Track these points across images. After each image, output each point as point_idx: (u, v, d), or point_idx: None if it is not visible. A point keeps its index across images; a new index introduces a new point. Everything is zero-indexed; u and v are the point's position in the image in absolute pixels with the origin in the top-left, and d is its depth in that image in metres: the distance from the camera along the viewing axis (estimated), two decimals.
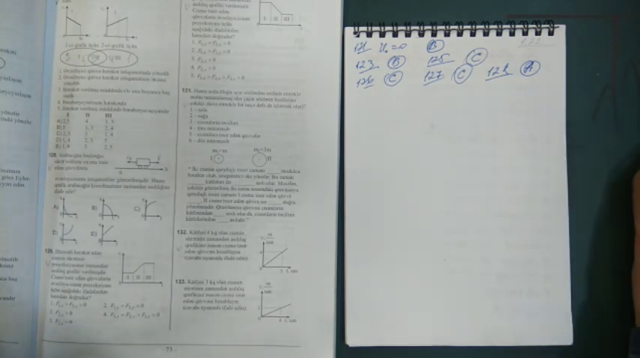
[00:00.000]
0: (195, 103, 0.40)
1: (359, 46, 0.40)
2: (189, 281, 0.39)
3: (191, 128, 0.40)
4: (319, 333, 0.39)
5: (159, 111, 0.40)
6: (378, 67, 0.40)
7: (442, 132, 0.40)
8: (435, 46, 0.40)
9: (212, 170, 0.40)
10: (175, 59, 0.40)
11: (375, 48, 0.40)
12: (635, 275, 0.38)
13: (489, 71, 0.40)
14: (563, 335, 0.39)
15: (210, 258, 0.39)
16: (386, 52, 0.40)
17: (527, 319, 0.39)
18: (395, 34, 0.40)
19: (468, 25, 0.40)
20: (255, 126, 0.40)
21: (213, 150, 0.40)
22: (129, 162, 0.39)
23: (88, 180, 0.39)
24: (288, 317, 0.39)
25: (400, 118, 0.40)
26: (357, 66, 0.40)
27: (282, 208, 0.40)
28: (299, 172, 0.40)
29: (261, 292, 0.39)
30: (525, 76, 0.40)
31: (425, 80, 0.40)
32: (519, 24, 0.40)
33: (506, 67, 0.40)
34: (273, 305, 0.39)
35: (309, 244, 0.39)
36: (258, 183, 0.40)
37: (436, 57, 0.40)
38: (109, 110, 0.39)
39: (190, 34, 0.40)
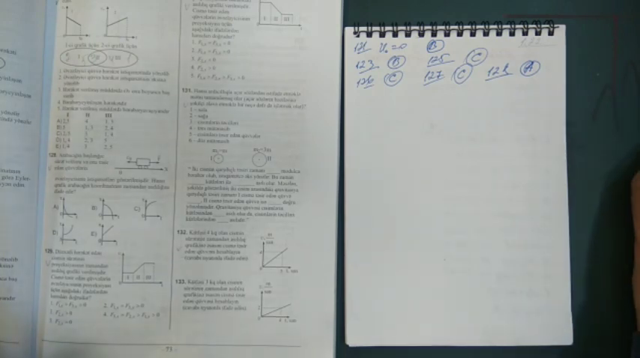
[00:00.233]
0: (195, 103, 0.40)
1: (359, 46, 0.40)
2: (189, 281, 0.39)
3: (191, 128, 0.40)
4: (319, 333, 0.39)
5: (159, 111, 0.40)
6: (378, 67, 0.40)
7: (442, 132, 0.40)
8: (435, 46, 0.40)
9: (212, 170, 0.40)
10: (175, 59, 0.40)
11: (375, 48, 0.40)
12: (635, 280, 0.38)
13: (489, 71, 0.40)
14: (563, 335, 0.39)
15: (210, 258, 0.39)
16: (386, 52, 0.40)
17: (527, 319, 0.39)
18: (395, 34, 0.40)
19: (468, 25, 0.40)
20: (255, 126, 0.40)
21: (213, 150, 0.40)
22: (129, 162, 0.39)
23: (88, 180, 0.39)
24: (288, 317, 0.39)
25: (400, 118, 0.40)
26: (357, 66, 0.40)
27: (282, 208, 0.40)
28: (299, 172, 0.40)
29: (261, 292, 0.39)
30: (525, 76, 0.40)
31: (425, 80, 0.40)
32: (519, 24, 0.40)
33: (506, 67, 0.40)
34: (273, 305, 0.39)
35: (309, 244, 0.39)
36: (258, 183, 0.40)
37: (436, 57, 0.40)
38: (109, 110, 0.39)
39: (190, 34, 0.40)
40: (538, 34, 0.40)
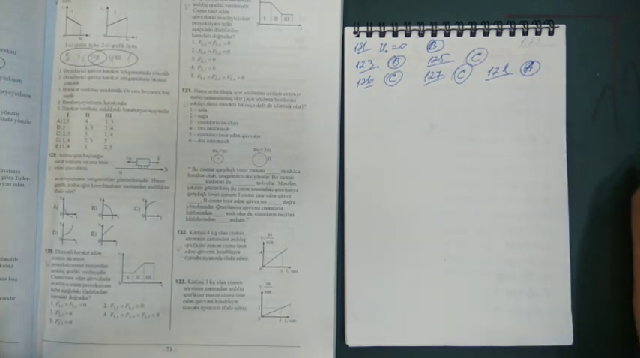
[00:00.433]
0: (195, 103, 0.40)
1: (359, 46, 0.40)
2: (189, 281, 0.39)
3: (191, 128, 0.40)
4: (319, 333, 0.39)
5: (159, 111, 0.40)
6: (378, 67, 0.40)
7: (442, 132, 0.40)
8: (435, 46, 0.40)
9: (212, 170, 0.40)
10: (175, 59, 0.40)
11: (375, 48, 0.40)
12: (636, 301, 0.37)
13: (489, 71, 0.40)
14: (563, 335, 0.39)
15: (210, 258, 0.39)
16: (386, 52, 0.40)
17: (527, 319, 0.39)
18: (395, 34, 0.40)
19: (468, 25, 0.40)
20: (255, 126, 0.40)
21: (213, 150, 0.40)
22: (129, 162, 0.39)
23: (88, 180, 0.39)
24: (288, 317, 0.39)
25: (400, 118, 0.40)
26: (357, 66, 0.40)
27: (282, 208, 0.40)
28: (299, 172, 0.40)
29: (261, 292, 0.39)
30: (525, 76, 0.40)
31: (425, 80, 0.40)
32: (519, 24, 0.40)
33: (506, 67, 0.40)
34: (273, 305, 0.39)
35: (309, 244, 0.39)
36: (258, 183, 0.40)
37: (436, 57, 0.40)
38: (109, 110, 0.39)
39: (190, 34, 0.40)
40: (538, 34, 0.40)
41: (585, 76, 0.40)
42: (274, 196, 0.40)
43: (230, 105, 0.40)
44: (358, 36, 0.40)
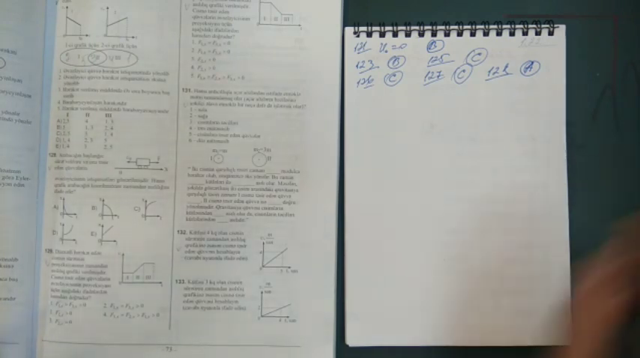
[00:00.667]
0: (195, 103, 0.40)
1: (359, 46, 0.40)
2: (189, 281, 0.39)
3: (191, 128, 0.40)
4: (319, 333, 0.39)
5: (159, 111, 0.40)
6: (378, 67, 0.40)
7: (442, 132, 0.40)
8: (435, 46, 0.40)
9: (212, 170, 0.40)
10: (175, 59, 0.40)
11: (375, 48, 0.40)
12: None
13: (489, 71, 0.40)
14: (562, 335, 0.39)
15: (210, 258, 0.39)
16: (386, 52, 0.40)
17: (528, 319, 0.39)
18: (395, 34, 0.40)
19: (468, 25, 0.40)
20: (255, 126, 0.40)
21: (213, 150, 0.40)
22: (129, 162, 0.39)
23: (88, 180, 0.39)
24: (288, 317, 0.39)
25: (400, 118, 0.40)
26: (357, 66, 0.40)
27: (282, 208, 0.40)
28: (299, 172, 0.40)
29: (261, 292, 0.39)
30: (525, 76, 0.40)
31: (425, 80, 0.40)
32: (519, 24, 0.40)
33: (506, 67, 0.40)
34: (273, 305, 0.39)
35: (309, 244, 0.39)
36: (258, 183, 0.40)
37: (436, 57, 0.40)
38: (109, 110, 0.39)
39: (190, 34, 0.40)
40: (538, 34, 0.40)
41: (585, 76, 0.40)
42: (274, 196, 0.40)
43: (230, 105, 0.40)
44: (358, 36, 0.40)
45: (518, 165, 0.39)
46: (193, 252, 0.39)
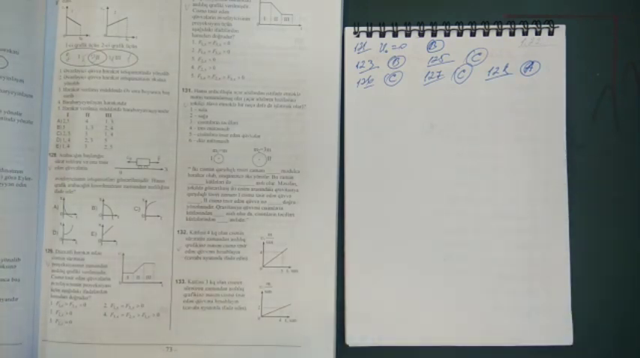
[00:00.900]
0: (195, 103, 0.40)
1: (359, 46, 0.40)
2: (189, 281, 0.39)
3: (191, 128, 0.40)
4: (319, 333, 0.39)
5: (159, 111, 0.40)
6: (378, 67, 0.40)
7: (442, 132, 0.40)
8: (435, 46, 0.40)
9: (212, 170, 0.40)
10: (175, 59, 0.40)
11: (375, 48, 0.40)
12: None
13: (489, 71, 0.40)
14: (563, 335, 0.39)
15: (210, 258, 0.39)
16: (386, 52, 0.40)
17: (527, 319, 0.39)
18: (395, 34, 0.40)
19: (468, 25, 0.40)
20: (255, 126, 0.40)
21: (213, 150, 0.40)
22: (129, 162, 0.39)
23: (88, 180, 0.39)
24: (288, 317, 0.39)
25: (400, 118, 0.40)
26: (357, 66, 0.40)
27: (282, 208, 0.40)
28: (299, 172, 0.40)
29: (261, 292, 0.39)
30: (525, 76, 0.40)
31: (425, 80, 0.40)
32: (519, 24, 0.40)
33: (506, 67, 0.40)
34: (273, 305, 0.39)
35: (309, 244, 0.39)
36: (258, 183, 0.40)
37: (436, 57, 0.40)
38: (109, 110, 0.40)
39: (190, 34, 0.40)
40: (538, 34, 0.40)
41: (585, 76, 0.40)
42: (274, 196, 0.40)
43: (230, 105, 0.40)
44: (358, 36, 0.40)
45: (518, 165, 0.39)
46: (193, 251, 0.39)
